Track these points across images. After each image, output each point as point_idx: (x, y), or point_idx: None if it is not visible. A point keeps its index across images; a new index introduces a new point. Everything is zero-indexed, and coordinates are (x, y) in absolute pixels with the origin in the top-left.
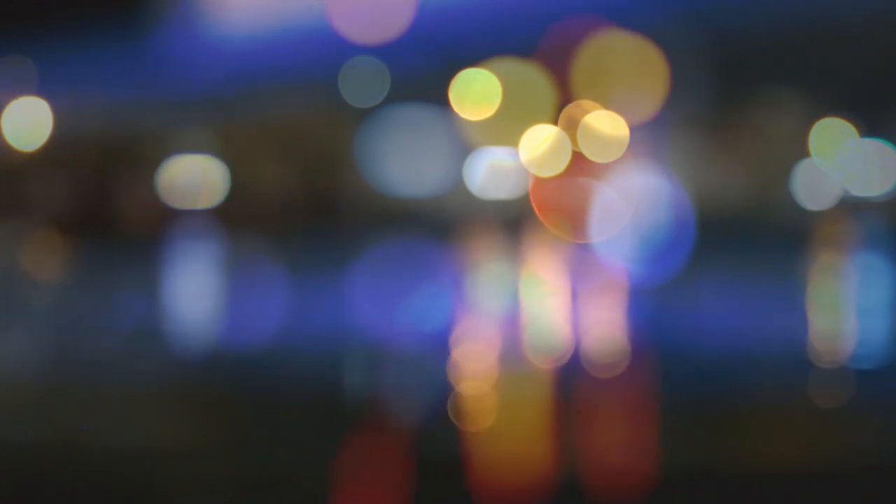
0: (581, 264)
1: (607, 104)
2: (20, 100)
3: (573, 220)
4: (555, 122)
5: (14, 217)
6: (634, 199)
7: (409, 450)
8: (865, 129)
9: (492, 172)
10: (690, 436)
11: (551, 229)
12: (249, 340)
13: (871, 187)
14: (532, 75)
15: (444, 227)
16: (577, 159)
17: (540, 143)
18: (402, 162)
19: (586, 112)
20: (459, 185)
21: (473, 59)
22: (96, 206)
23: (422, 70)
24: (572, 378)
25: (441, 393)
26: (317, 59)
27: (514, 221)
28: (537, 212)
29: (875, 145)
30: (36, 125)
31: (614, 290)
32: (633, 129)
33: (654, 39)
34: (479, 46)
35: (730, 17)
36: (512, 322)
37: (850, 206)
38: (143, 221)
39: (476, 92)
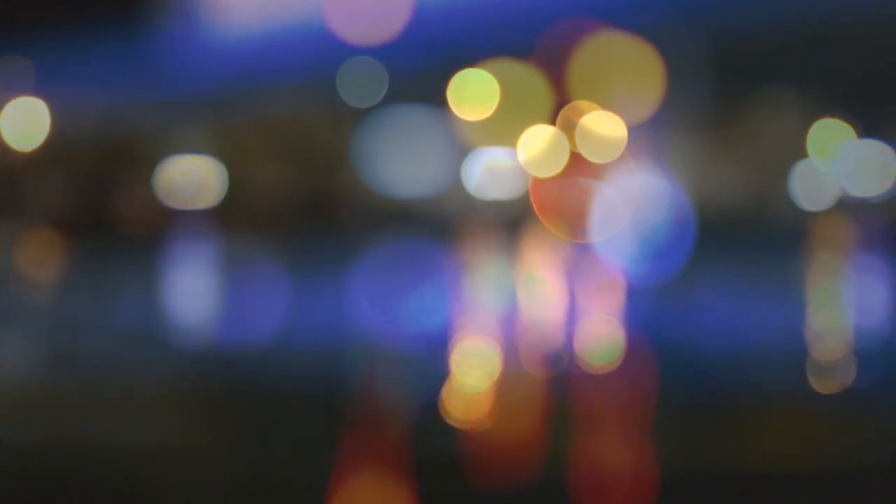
0: (580, 264)
1: (605, 104)
2: (18, 100)
3: (572, 220)
4: (552, 123)
5: (12, 217)
6: (633, 200)
7: (407, 449)
8: (864, 130)
9: (489, 173)
10: (690, 436)
11: (550, 229)
12: (248, 340)
13: (869, 187)
14: (530, 76)
15: (441, 227)
16: (576, 160)
17: (538, 144)
18: (400, 162)
19: (584, 112)
20: (457, 186)
21: (471, 60)
22: (94, 206)
23: (419, 70)
24: (571, 378)
25: (439, 393)
26: (315, 59)
27: (512, 221)
28: (537, 212)
29: (873, 145)
30: (34, 125)
31: (614, 290)
32: (631, 130)
33: (652, 40)
34: (476, 47)
35: (729, 18)
36: (510, 322)
37: (848, 207)
38: (141, 221)
39: (474, 92)
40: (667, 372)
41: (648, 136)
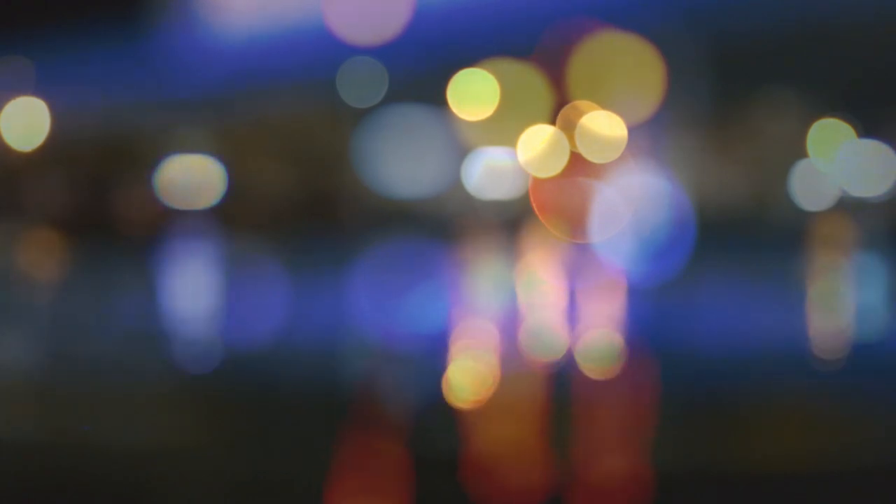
0: (580, 264)
1: (605, 104)
2: (18, 99)
3: (572, 220)
4: (552, 123)
5: (12, 217)
6: (633, 200)
7: (407, 449)
8: (863, 130)
9: (489, 173)
10: (690, 436)
11: (551, 229)
12: (249, 340)
13: (868, 187)
14: (529, 76)
15: (441, 227)
16: (576, 160)
17: (538, 144)
18: (399, 162)
19: (584, 112)
20: (457, 186)
21: (471, 60)
22: (94, 206)
23: (419, 70)
24: (571, 378)
25: (439, 392)
26: (315, 59)
27: (512, 221)
28: (537, 212)
29: (873, 145)
30: (34, 125)
31: (614, 290)
32: (631, 130)
33: (652, 40)
34: (476, 47)
35: (729, 18)
36: (510, 322)
37: (848, 207)
38: (141, 221)
39: (474, 92)
40: (667, 372)
41: (648, 136)
